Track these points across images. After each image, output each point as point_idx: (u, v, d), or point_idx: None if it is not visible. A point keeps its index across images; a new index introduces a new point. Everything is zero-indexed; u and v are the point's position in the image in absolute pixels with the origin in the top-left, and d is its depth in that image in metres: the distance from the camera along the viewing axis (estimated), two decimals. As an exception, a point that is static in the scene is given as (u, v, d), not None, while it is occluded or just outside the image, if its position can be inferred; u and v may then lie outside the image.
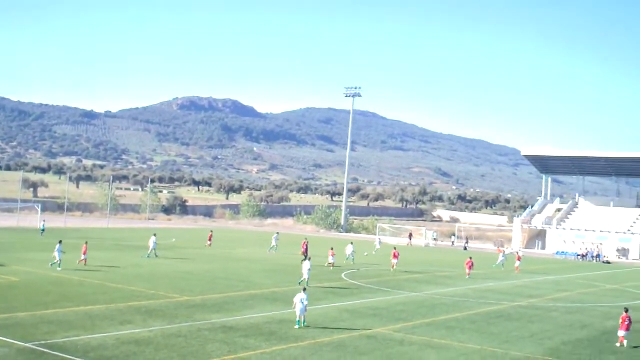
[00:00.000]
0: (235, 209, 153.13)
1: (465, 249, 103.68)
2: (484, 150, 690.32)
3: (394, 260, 61.99)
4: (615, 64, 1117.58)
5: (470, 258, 62.43)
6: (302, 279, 47.20)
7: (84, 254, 51.98)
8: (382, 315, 37.39)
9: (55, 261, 49.08)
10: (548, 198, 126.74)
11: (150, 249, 62.46)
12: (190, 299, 39.17)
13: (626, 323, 32.96)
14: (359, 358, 26.75)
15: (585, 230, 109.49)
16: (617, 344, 32.71)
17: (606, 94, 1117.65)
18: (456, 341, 31.22)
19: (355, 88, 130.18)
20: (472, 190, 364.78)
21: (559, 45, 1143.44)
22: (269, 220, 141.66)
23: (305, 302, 32.46)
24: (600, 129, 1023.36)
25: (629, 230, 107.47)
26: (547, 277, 65.60)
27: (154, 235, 64.28)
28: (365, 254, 77.62)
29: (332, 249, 63.27)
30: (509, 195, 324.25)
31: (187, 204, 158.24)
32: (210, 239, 78.27)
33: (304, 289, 33.77)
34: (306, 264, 47.27)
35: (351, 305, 39.94)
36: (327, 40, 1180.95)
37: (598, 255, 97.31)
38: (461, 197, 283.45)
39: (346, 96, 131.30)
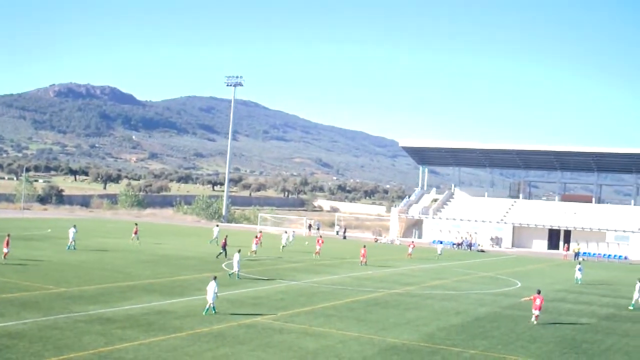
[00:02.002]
0: (113, 199, 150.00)
1: (344, 238, 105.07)
2: (363, 142, 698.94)
3: (318, 247, 68.44)
4: (489, 56, 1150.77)
5: (365, 247, 65.17)
6: (232, 271, 47.57)
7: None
8: (262, 304, 37.56)
9: None
10: (425, 189, 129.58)
11: (70, 240, 61.86)
12: (66, 290, 38.36)
13: (537, 303, 36.27)
14: (238, 347, 26.85)
15: (461, 220, 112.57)
16: (532, 320, 36.36)
17: (480, 86, 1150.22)
18: (334, 329, 31.69)
19: (237, 77, 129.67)
20: (351, 180, 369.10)
21: (434, 38, 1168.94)
22: (148, 211, 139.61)
23: (216, 290, 33.59)
24: (475, 121, 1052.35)
25: (502, 219, 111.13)
26: (423, 266, 67.12)
27: (74, 226, 63.49)
28: (306, 242, 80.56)
29: (256, 237, 66.31)
30: (388, 186, 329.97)
31: (63, 193, 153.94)
32: (136, 233, 72.77)
33: (215, 277, 34.51)
34: (236, 256, 47.42)
35: (232, 295, 39.92)
36: (209, 28, 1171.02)
37: (471, 244, 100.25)
38: (341, 188, 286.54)
39: (227, 85, 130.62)
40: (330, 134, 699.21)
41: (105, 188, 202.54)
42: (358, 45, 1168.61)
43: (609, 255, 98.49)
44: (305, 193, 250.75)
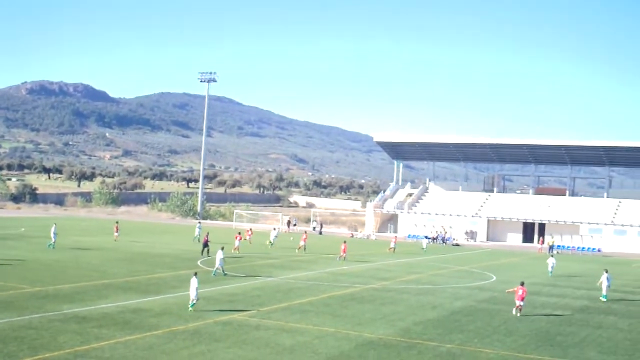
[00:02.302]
0: (87, 197, 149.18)
1: (320, 233, 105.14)
2: (338, 137, 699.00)
3: (302, 243, 70.78)
4: (462, 49, 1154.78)
5: (345, 242, 65.70)
6: (215, 268, 47.89)
7: None
8: (238, 301, 37.54)
9: None
10: (400, 183, 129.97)
11: (52, 238, 62.02)
12: (41, 289, 38.14)
13: (520, 294, 37.08)
14: (214, 345, 26.83)
15: (436, 214, 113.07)
16: (514, 312, 37.33)
17: (453, 80, 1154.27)
18: (311, 324, 31.75)
19: (211, 73, 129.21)
20: (327, 176, 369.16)
21: (407, 32, 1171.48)
22: (122, 208, 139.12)
23: (197, 286, 33.88)
24: (449, 116, 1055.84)
25: (476, 213, 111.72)
26: (399, 260, 67.30)
27: (55, 225, 63.82)
28: (291, 238, 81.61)
29: (239, 233, 66.83)
30: (363, 181, 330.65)
31: (37, 192, 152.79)
32: (117, 231, 72.70)
33: (195, 274, 34.99)
34: (219, 254, 47.68)
35: (207, 293, 39.78)
36: (182, 24, 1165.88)
37: (444, 238, 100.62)
38: (317, 183, 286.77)
39: (201, 81, 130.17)
40: (305, 130, 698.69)
41: (79, 186, 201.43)
42: (331, 40, 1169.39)
43: (583, 247, 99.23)
44: (280, 189, 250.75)
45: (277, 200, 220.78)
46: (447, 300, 41.70)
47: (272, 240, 75.05)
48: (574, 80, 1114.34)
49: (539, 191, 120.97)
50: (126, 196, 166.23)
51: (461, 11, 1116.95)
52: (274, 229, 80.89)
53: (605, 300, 44.68)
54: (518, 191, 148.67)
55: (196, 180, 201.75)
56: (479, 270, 61.66)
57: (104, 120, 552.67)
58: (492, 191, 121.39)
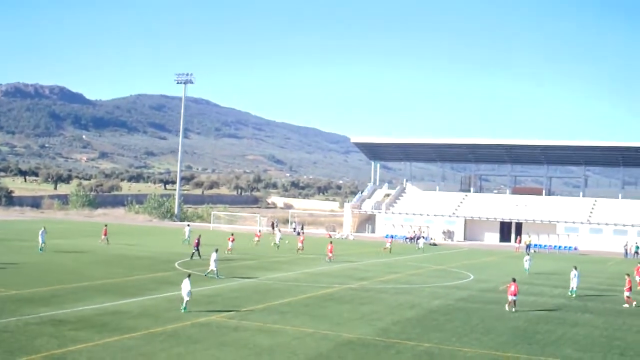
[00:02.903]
0: (64, 200, 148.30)
1: (298, 234, 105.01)
2: (316, 138, 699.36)
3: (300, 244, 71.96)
4: (435, 52, 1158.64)
5: (331, 243, 66.63)
6: (209, 270, 47.84)
7: None
8: (216, 302, 37.46)
9: None
10: (377, 184, 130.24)
11: (40, 242, 61.54)
12: (17, 292, 37.86)
13: (512, 290, 38.55)
14: (192, 347, 26.75)
15: (413, 214, 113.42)
16: (507, 307, 38.87)
17: (428, 82, 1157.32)
18: (289, 325, 31.73)
19: (187, 75, 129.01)
20: (305, 177, 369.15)
21: (384, 35, 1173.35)
22: (99, 211, 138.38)
23: (189, 288, 34.05)
24: (425, 117, 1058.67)
25: (454, 213, 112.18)
26: (377, 260, 67.42)
27: (44, 228, 63.38)
28: (287, 241, 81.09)
29: (232, 234, 67.37)
30: (341, 182, 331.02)
31: (13, 194, 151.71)
32: (105, 234, 72.41)
33: (189, 276, 35.15)
34: (213, 255, 47.76)
35: (185, 294, 39.78)
36: (158, 25, 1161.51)
37: (418, 238, 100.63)
38: (295, 184, 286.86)
39: (178, 83, 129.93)
40: (283, 131, 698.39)
41: (55, 188, 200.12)
42: (309, 39, 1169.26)
43: (560, 246, 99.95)
44: (258, 190, 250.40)
45: (254, 201, 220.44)
46: (425, 300, 41.83)
47: (277, 242, 77.25)
48: (546, 81, 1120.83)
49: (515, 191, 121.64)
50: (103, 198, 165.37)
51: (433, 11, 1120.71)
52: (280, 231, 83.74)
53: (573, 295, 45.73)
54: (495, 191, 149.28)
55: (173, 182, 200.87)
56: (456, 270, 61.90)
57: (80, 123, 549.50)
58: (469, 191, 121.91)
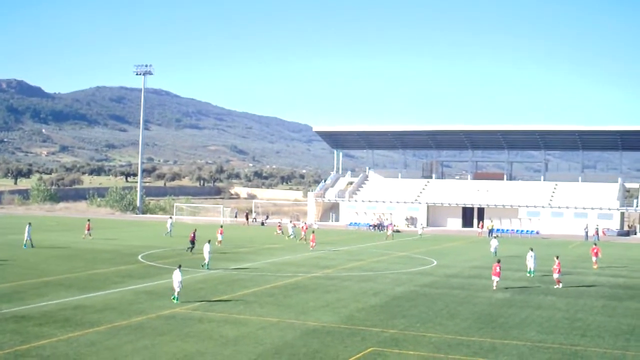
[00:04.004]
0: (24, 194, 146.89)
1: (262, 224, 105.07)
2: (278, 128, 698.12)
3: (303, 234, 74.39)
4: (399, 39, 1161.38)
5: (313, 232, 68.03)
6: (204, 262, 48.45)
7: None
8: (181, 294, 37.27)
9: None
10: (340, 172, 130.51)
11: (25, 238, 60.93)
12: (-23, 290, 37.43)
13: (497, 271, 41.54)
14: (158, 339, 26.66)
15: (376, 201, 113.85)
16: (494, 287, 41.60)
17: (390, 68, 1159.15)
18: (255, 315, 31.75)
19: (147, 66, 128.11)
20: (268, 167, 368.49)
21: (344, 25, 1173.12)
22: (61, 205, 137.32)
23: (180, 279, 34.59)
24: (387, 104, 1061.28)
25: (416, 199, 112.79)
26: (341, 248, 67.64)
27: (29, 224, 62.79)
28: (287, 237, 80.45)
29: (221, 227, 67.59)
30: (304, 171, 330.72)
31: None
32: (88, 229, 72.07)
33: (179, 266, 35.84)
34: (206, 247, 48.52)
35: (149, 287, 39.62)
36: (116, 16, 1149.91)
37: (381, 225, 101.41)
38: (258, 174, 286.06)
39: (137, 74, 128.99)
40: (244, 121, 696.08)
41: (16, 183, 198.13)
42: (268, 28, 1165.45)
43: (522, 230, 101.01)
44: (221, 181, 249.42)
45: (217, 192, 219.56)
46: (389, 286, 42.05)
47: (291, 233, 79.27)
48: (507, 67, 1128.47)
49: (477, 176, 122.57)
50: (64, 192, 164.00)
51: (392, 4, 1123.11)
52: (294, 225, 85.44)
53: (532, 275, 47.66)
54: (457, 177, 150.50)
55: (135, 175, 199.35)
56: (420, 256, 62.28)
57: (39, 116, 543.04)
58: (431, 177, 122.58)
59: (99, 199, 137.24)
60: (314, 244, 65.05)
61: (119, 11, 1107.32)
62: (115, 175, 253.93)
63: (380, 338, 27.79)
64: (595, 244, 61.27)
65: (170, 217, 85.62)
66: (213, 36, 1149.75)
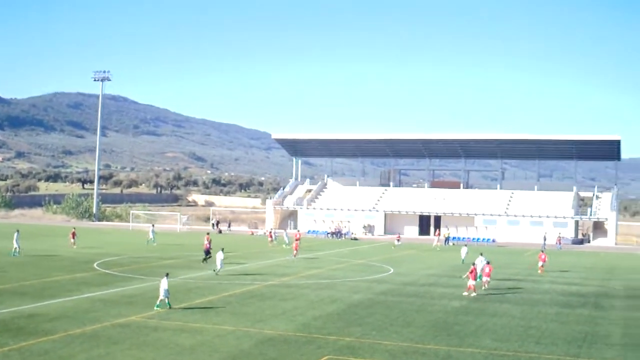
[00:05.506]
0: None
1: (220, 232, 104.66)
2: (237, 135, 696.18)
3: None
4: (350, 50, 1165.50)
5: (297, 240, 69.75)
6: (219, 268, 49.61)
7: None
8: (136, 303, 37.07)
9: None
10: (299, 180, 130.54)
11: (14, 246, 60.48)
12: None
13: (473, 273, 43.24)
14: (112, 347, 26.45)
15: (334, 209, 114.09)
16: (465, 293, 42.99)
17: (349, 77, 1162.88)
18: (211, 324, 31.64)
19: (105, 72, 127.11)
20: (226, 174, 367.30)
21: (303, 31, 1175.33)
22: (16, 211, 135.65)
23: (166, 287, 34.89)
24: (346, 113, 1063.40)
25: (374, 207, 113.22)
26: (299, 256, 67.55)
27: (17, 231, 62.32)
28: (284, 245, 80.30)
29: (208, 234, 65.79)
30: (263, 178, 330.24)
31: None
32: (73, 237, 70.77)
33: (167, 274, 36.47)
34: (219, 255, 49.47)
35: (104, 295, 39.28)
36: (74, 22, 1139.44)
37: (340, 232, 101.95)
38: (216, 181, 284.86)
39: (95, 80, 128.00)
40: (203, 128, 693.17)
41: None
42: (226, 35, 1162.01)
43: (478, 238, 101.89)
44: (178, 188, 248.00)
45: (175, 199, 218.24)
46: (346, 294, 42.16)
47: (287, 241, 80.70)
48: (465, 75, 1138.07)
49: (434, 184, 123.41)
50: (20, 199, 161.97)
51: (346, 6, 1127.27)
52: (285, 230, 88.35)
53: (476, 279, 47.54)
54: (414, 185, 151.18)
55: (91, 181, 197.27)
56: (377, 264, 62.52)
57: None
58: (388, 185, 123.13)
59: (55, 206, 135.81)
60: (296, 252, 66.06)
61: (77, 17, 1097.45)
62: (72, 182, 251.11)
63: (336, 346, 27.86)
64: (542, 251, 62.84)
65: (153, 225, 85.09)
66: (172, 43, 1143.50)
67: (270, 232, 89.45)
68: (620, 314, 38.39)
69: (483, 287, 45.02)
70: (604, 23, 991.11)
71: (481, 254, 51.90)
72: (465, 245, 69.90)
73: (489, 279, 45.47)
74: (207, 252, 57.84)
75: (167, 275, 36.14)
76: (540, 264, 58.35)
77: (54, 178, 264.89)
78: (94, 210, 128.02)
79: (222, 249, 50.64)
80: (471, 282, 43.06)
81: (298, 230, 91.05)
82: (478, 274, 47.70)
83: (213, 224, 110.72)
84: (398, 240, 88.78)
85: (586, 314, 37.91)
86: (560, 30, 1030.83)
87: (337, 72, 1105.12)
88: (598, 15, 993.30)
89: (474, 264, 45.45)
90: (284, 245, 79.58)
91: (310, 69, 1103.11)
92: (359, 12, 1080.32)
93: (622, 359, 27.64)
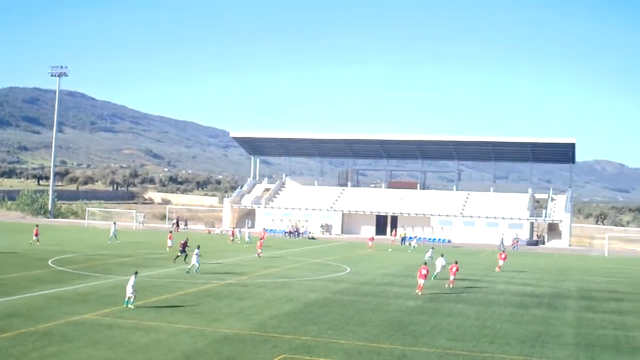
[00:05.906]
0: None
1: (177, 230, 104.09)
2: (195, 132, 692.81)
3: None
4: (311, 50, 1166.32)
5: (261, 239, 70.84)
6: (192, 265, 49.96)
7: None
8: (90, 300, 36.77)
9: None
10: (257, 178, 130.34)
11: None
12: None
13: (453, 270, 47.14)
14: (66, 345, 26.23)
15: (292, 208, 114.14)
16: (447, 285, 46.51)
17: (307, 76, 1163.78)
18: (166, 322, 31.50)
19: (62, 67, 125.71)
20: (183, 172, 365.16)
21: (260, 31, 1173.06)
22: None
23: (133, 284, 34.98)
24: (304, 112, 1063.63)
25: (331, 207, 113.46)
26: (255, 256, 67.41)
27: None
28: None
29: (171, 232, 67.58)
30: (220, 177, 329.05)
31: None
32: (37, 234, 70.06)
33: (136, 273, 36.92)
34: (196, 252, 50.58)
35: (58, 293, 38.91)
36: (31, 15, 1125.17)
37: (298, 232, 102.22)
38: (173, 179, 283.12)
39: (52, 76, 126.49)
40: (160, 125, 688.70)
41: None
42: (183, 32, 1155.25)
43: (434, 238, 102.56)
44: (135, 185, 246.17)
45: (131, 197, 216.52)
46: (302, 293, 42.24)
47: (248, 240, 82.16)
48: (423, 76, 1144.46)
49: (391, 185, 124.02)
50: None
51: (312, 6, 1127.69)
52: (248, 228, 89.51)
53: (433, 279, 48.93)
54: (372, 185, 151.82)
55: (47, 178, 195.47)
56: (334, 263, 62.70)
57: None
58: (346, 185, 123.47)
59: (9, 202, 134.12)
60: (260, 251, 66.48)
61: (34, 10, 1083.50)
62: (27, 178, 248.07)
63: (292, 345, 27.91)
64: (503, 251, 63.87)
65: (115, 223, 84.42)
66: (129, 38, 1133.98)
67: (233, 231, 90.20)
68: (573, 315, 38.96)
69: (449, 286, 46.69)
70: (563, 23, 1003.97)
71: (442, 255, 53.12)
72: (432, 248, 68.63)
73: (454, 277, 47.25)
74: (183, 250, 57.23)
75: (136, 273, 36.47)
76: (500, 262, 60.21)
77: (9, 174, 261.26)
78: (50, 207, 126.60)
79: (198, 247, 51.74)
80: (421, 282, 43.56)
81: (264, 229, 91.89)
82: (434, 274, 48.46)
83: (173, 224, 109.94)
84: (371, 240, 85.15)
85: (540, 314, 38.40)
86: (518, 31, 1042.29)
87: (295, 71, 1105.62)
88: (555, 16, 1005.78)
89: (425, 262, 45.87)
90: (245, 245, 79.57)
91: (268, 67, 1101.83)
92: (317, 11, 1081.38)
93: (574, 358, 28.08)
